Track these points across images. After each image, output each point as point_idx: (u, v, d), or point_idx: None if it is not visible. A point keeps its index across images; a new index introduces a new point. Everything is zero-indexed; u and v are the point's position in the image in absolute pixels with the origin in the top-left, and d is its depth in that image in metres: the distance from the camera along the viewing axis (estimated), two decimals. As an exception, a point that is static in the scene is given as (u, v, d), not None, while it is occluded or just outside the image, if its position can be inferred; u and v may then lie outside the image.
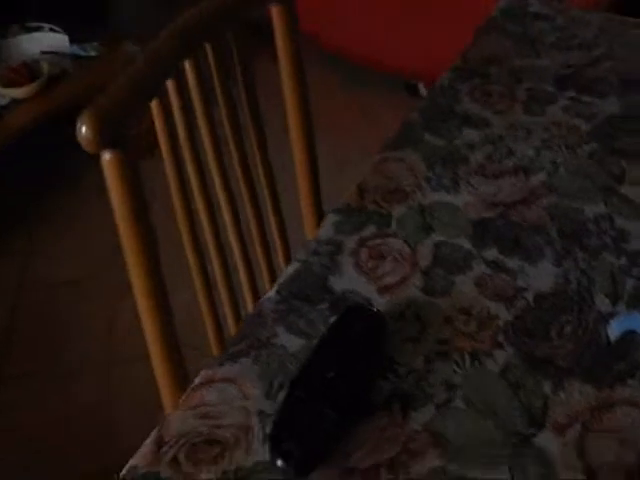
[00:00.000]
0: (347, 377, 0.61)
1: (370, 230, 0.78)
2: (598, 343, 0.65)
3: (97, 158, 0.63)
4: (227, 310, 0.94)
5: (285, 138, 1.03)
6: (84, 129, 0.57)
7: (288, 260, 1.01)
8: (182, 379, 0.82)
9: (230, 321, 0.96)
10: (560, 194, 0.82)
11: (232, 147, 0.88)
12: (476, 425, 0.59)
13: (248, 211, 0.94)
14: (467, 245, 0.76)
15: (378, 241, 0.77)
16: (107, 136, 0.58)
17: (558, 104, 0.98)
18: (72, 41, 2.03)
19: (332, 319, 0.67)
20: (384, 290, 0.71)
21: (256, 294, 0.97)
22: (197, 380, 0.65)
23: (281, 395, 0.61)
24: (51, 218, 1.95)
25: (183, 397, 0.63)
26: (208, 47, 0.81)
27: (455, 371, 0.63)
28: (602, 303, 0.69)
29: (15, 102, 1.85)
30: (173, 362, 0.82)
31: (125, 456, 0.60)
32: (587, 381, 0.62)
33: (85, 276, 1.77)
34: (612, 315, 0.67)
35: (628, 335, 0.64)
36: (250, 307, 0.96)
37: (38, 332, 1.66)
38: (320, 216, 1.05)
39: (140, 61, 0.66)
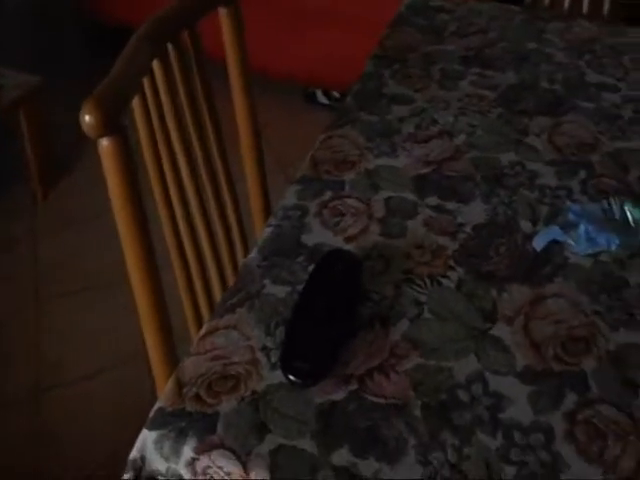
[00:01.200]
0: (334, 306, 0.73)
1: (328, 195, 0.91)
2: (528, 255, 0.80)
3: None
4: (200, 295, 1.03)
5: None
6: (87, 117, 0.67)
7: (246, 250, 1.11)
8: (172, 353, 0.90)
9: (202, 302, 1.04)
10: (480, 149, 0.98)
11: (196, 144, 0.99)
12: (444, 328, 0.73)
13: (212, 206, 1.04)
14: (412, 197, 0.90)
15: (336, 202, 0.90)
16: (108, 123, 0.68)
17: (467, 79, 1.15)
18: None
19: (311, 268, 0.79)
20: (349, 239, 0.84)
21: (224, 282, 1.07)
22: (202, 331, 0.75)
23: (279, 331, 0.73)
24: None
25: (193, 346, 0.73)
26: (170, 47, 0.91)
27: (420, 292, 0.77)
28: (525, 226, 0.84)
29: None
30: (165, 334, 0.90)
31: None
32: (523, 283, 0.77)
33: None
34: (534, 234, 0.82)
35: (550, 245, 0.80)
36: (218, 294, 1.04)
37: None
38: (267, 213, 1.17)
39: (119, 62, 0.76)
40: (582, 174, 0.93)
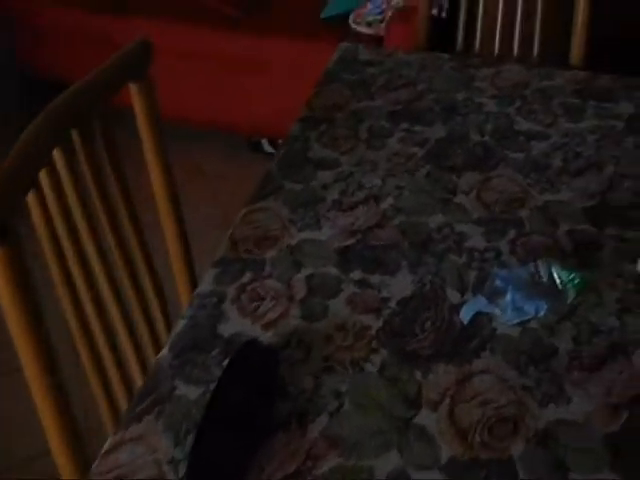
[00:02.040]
0: (249, 405, 0.68)
1: (247, 276, 0.86)
2: (454, 329, 0.76)
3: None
4: (116, 385, 0.96)
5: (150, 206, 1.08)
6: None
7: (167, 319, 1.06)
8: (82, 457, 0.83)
9: (120, 395, 0.97)
10: (407, 212, 0.94)
11: (104, 221, 0.94)
12: (365, 420, 0.67)
13: (125, 282, 0.99)
14: (335, 271, 0.86)
15: (255, 284, 0.85)
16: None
17: (395, 136, 1.12)
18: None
19: (226, 362, 0.74)
20: (268, 326, 0.79)
21: (143, 364, 1.00)
22: (106, 446, 0.69)
23: (190, 439, 0.67)
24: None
25: (94, 464, 0.67)
26: (75, 133, 0.87)
27: (341, 380, 0.72)
28: (453, 296, 0.80)
29: None
30: (70, 438, 0.83)
31: None
32: (449, 362, 0.72)
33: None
34: (462, 304, 0.78)
35: (477, 316, 0.75)
36: (139, 378, 0.98)
37: None
38: (192, 274, 1.12)
39: (13, 154, 0.72)
40: (511, 233, 0.89)
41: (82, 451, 0.83)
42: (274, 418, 0.68)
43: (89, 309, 0.87)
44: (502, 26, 1.55)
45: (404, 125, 1.14)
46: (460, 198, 0.96)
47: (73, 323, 0.85)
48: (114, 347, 0.92)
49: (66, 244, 0.84)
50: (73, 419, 0.81)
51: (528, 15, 1.53)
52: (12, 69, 2.58)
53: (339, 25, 2.13)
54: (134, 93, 0.99)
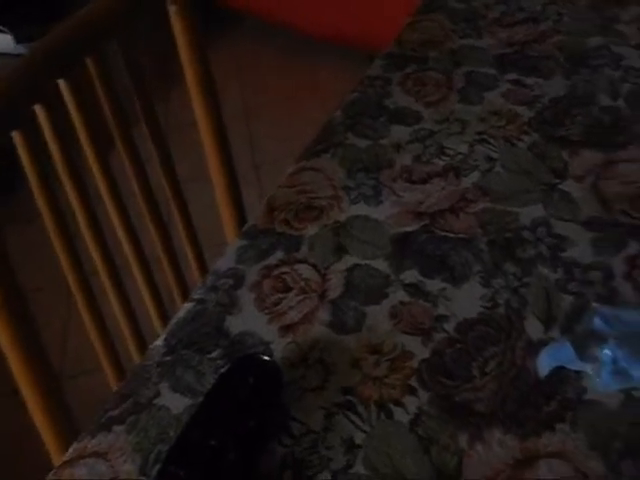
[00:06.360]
0: (233, 444, 0.53)
1: (277, 256, 0.69)
2: (526, 380, 0.56)
3: None
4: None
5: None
6: None
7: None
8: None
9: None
10: (493, 197, 0.73)
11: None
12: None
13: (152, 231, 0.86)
14: (384, 267, 0.67)
15: (284, 269, 0.68)
16: None
17: (499, 89, 0.88)
18: (18, 41, 1.94)
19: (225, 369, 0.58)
20: (286, 329, 0.62)
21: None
22: (67, 455, 0.56)
23: (155, 471, 0.53)
24: None
25: (49, 476, 0.55)
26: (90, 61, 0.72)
27: (358, 427, 0.54)
28: (534, 328, 0.60)
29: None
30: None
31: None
32: (509, 429, 0.53)
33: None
34: (544, 343, 0.57)
35: (559, 369, 0.55)
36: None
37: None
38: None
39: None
40: (632, 247, 0.66)
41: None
42: (260, 467, 0.52)
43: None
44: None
45: (513, 75, 0.89)
46: (569, 185, 0.73)
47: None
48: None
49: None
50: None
51: None
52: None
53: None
54: (173, 13, 0.82)
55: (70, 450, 0.57)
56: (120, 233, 0.83)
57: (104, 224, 0.82)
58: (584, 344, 0.54)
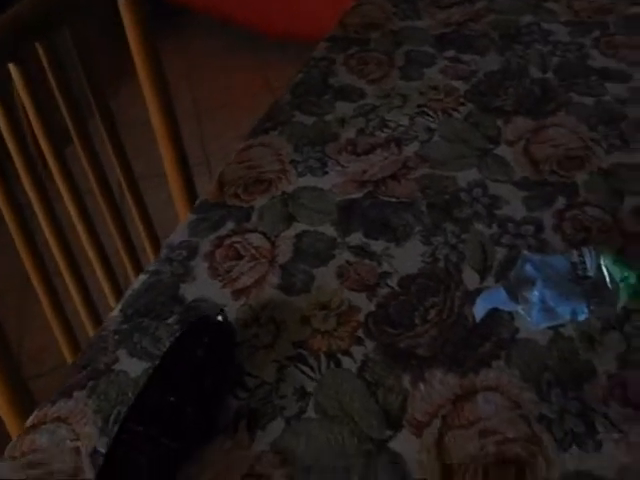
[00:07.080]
0: (190, 399, 0.55)
1: (228, 227, 0.72)
2: (463, 325, 0.60)
3: None
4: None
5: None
6: None
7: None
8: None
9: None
10: (432, 164, 0.76)
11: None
12: (329, 435, 0.53)
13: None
14: (331, 232, 0.70)
15: (236, 239, 0.71)
16: None
17: (437, 65, 0.92)
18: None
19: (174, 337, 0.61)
20: (239, 293, 0.65)
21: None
22: (28, 422, 0.58)
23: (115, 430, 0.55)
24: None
25: (12, 443, 0.57)
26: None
27: (309, 376, 0.57)
28: (470, 279, 0.63)
29: None
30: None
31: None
32: (449, 369, 0.56)
33: None
34: (480, 292, 0.61)
35: (493, 312, 0.59)
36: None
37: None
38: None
39: None
40: (560, 202, 0.70)
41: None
42: (216, 420, 0.55)
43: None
44: None
45: (450, 52, 0.94)
46: (503, 150, 0.77)
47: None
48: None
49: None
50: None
51: None
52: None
53: None
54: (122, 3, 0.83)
55: (31, 418, 0.58)
56: (79, 228, 0.85)
57: (63, 220, 0.84)
58: (516, 288, 0.58)
